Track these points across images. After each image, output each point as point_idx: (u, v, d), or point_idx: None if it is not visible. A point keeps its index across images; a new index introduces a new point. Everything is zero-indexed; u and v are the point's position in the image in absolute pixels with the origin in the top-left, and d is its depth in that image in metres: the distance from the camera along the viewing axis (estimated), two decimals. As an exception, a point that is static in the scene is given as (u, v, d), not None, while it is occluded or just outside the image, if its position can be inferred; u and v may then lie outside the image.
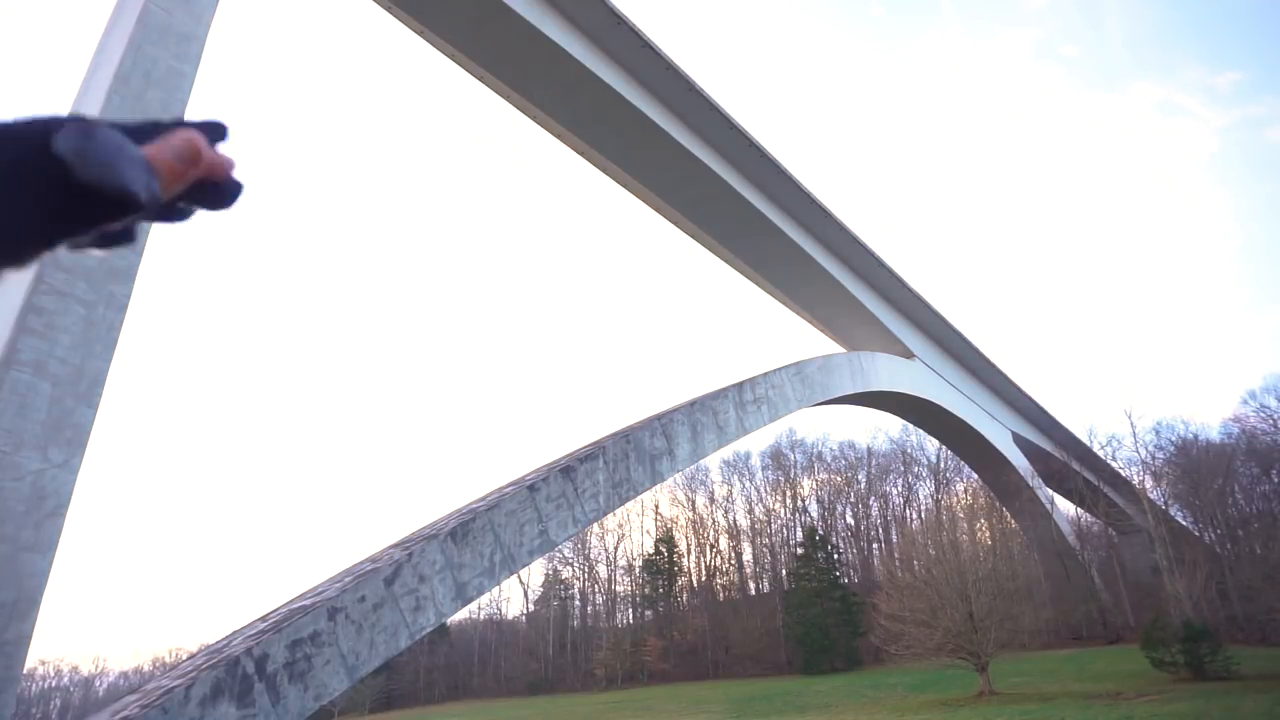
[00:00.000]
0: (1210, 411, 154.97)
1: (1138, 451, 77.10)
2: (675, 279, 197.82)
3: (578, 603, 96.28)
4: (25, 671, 14.67)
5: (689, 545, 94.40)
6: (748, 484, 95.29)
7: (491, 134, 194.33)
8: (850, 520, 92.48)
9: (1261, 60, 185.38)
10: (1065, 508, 73.09)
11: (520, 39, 27.24)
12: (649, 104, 31.22)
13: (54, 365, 14.42)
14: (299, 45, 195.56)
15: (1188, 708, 32.24)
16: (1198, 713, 31.14)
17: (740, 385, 31.71)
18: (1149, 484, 68.78)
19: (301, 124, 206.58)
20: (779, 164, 35.85)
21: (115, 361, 15.43)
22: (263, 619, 16.55)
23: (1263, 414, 69.73)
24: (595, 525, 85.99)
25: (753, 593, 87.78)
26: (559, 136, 32.40)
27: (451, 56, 28.33)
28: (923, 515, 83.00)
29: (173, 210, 0.91)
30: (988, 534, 69.10)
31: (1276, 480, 66.90)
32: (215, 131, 0.94)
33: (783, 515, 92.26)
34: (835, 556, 78.47)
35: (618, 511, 77.27)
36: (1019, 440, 62.50)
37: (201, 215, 0.95)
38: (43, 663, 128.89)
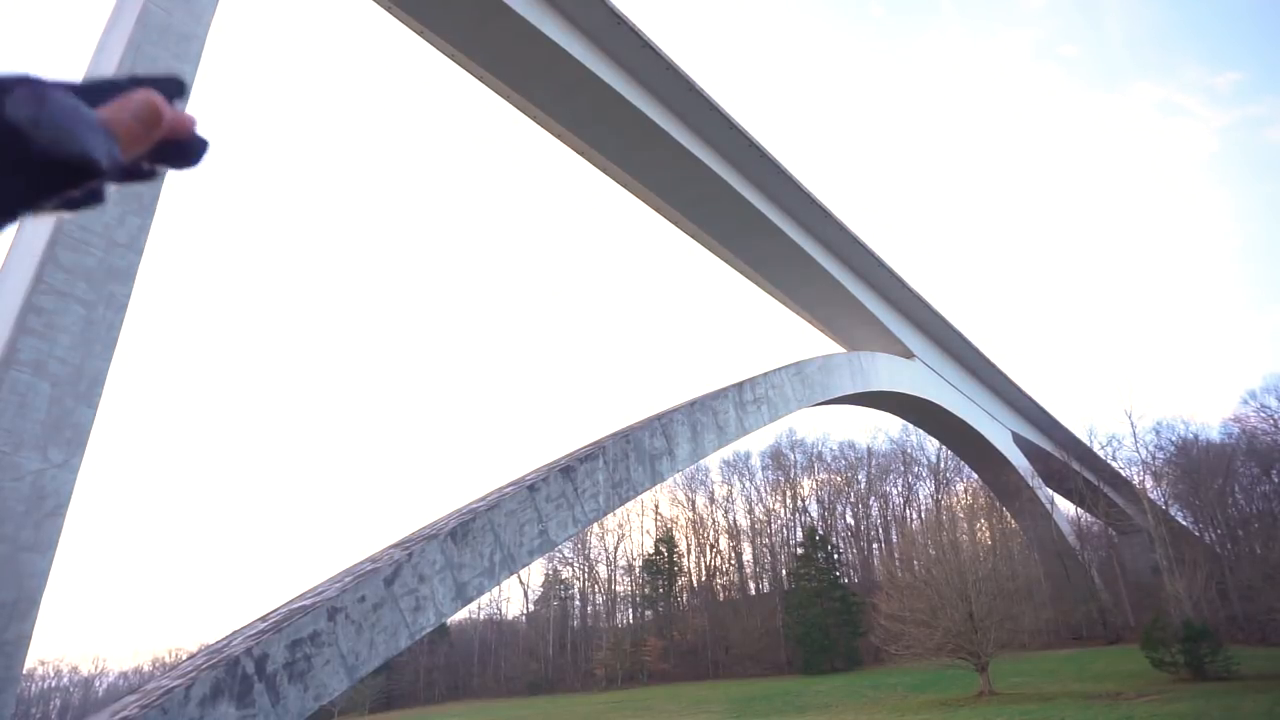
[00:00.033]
0: (1210, 411, 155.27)
1: (1138, 451, 77.34)
2: (675, 279, 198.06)
3: (578, 603, 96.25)
4: (25, 671, 14.68)
5: (689, 545, 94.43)
6: (748, 484, 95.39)
7: (492, 134, 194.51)
8: (850, 520, 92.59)
9: (1261, 60, 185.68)
10: (1065, 508, 73.10)
11: (520, 39, 27.26)
12: (649, 104, 31.22)
13: (54, 365, 14.41)
14: (299, 45, 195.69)
15: (1188, 708, 32.25)
16: (1198, 713, 31.15)
17: (740, 385, 31.71)
18: (1149, 484, 68.86)
19: (302, 124, 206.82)
20: (779, 164, 35.86)
21: (115, 361, 15.43)
22: (263, 619, 16.55)
23: (1263, 414, 69.90)
24: (595, 525, 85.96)
25: (753, 593, 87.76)
26: (559, 136, 32.40)
27: (451, 56, 28.34)
28: (923, 515, 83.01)
29: (137, 171, 0.88)
30: (988, 534, 69.15)
31: (1276, 480, 66.88)
32: (173, 87, 0.90)
33: (783, 515, 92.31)
34: (835, 556, 78.47)
35: (618, 511, 77.23)
36: (1019, 440, 62.50)
37: (172, 175, 0.92)
38: (42, 663, 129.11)
